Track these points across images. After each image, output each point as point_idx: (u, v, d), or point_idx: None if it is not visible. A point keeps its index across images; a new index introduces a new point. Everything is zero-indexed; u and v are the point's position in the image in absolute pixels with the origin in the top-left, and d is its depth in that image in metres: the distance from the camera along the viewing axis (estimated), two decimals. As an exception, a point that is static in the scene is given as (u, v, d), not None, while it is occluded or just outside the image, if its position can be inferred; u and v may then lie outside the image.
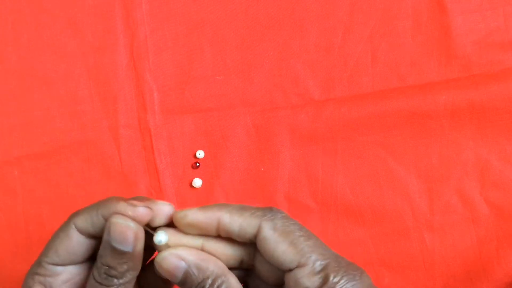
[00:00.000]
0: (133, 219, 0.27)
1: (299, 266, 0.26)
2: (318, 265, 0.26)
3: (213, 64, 0.46)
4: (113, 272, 0.27)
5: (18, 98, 0.46)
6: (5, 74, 0.46)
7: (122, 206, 0.27)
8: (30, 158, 0.45)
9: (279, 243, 0.27)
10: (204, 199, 0.45)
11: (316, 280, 0.26)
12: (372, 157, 0.45)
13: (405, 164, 0.45)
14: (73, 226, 0.29)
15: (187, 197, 0.45)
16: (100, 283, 0.27)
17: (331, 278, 0.26)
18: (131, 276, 0.28)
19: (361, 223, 0.44)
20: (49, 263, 0.29)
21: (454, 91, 0.44)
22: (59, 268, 0.29)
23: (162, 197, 0.45)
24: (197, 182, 0.45)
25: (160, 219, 0.28)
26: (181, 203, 0.45)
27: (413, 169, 0.45)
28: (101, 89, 0.46)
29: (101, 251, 0.27)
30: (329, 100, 0.45)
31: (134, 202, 0.28)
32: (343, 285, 0.26)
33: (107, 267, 0.27)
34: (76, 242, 0.29)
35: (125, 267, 0.27)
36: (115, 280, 0.27)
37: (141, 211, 0.27)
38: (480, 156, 0.44)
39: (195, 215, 0.28)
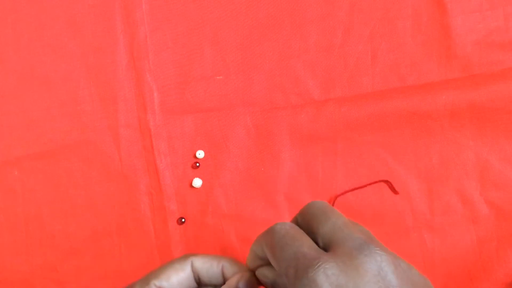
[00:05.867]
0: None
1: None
2: (284, 273, 0.28)
3: (213, 64, 0.46)
4: None
5: (18, 98, 0.46)
6: (5, 74, 0.46)
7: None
8: (30, 158, 0.45)
9: (269, 257, 0.30)
10: (204, 199, 0.45)
11: None
12: (372, 157, 0.45)
13: (405, 164, 0.45)
14: (190, 263, 0.34)
15: (187, 197, 0.45)
16: None
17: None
18: None
19: (361, 223, 0.44)
20: (157, 286, 0.33)
21: (454, 91, 0.44)
22: None
23: (162, 197, 0.45)
24: (197, 182, 0.45)
25: None
26: (181, 203, 0.45)
27: (413, 169, 0.45)
28: (101, 89, 0.46)
29: None
30: (329, 100, 0.45)
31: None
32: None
33: None
34: (187, 277, 0.33)
35: None
36: None
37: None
38: (480, 156, 0.44)
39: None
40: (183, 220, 0.45)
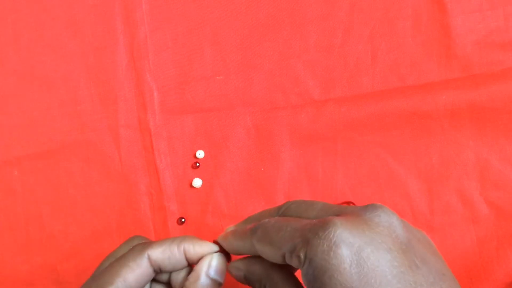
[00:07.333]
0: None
1: (283, 257, 0.27)
2: (290, 249, 0.26)
3: (213, 64, 0.46)
4: None
5: (18, 98, 0.46)
6: (5, 74, 0.46)
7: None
8: (30, 158, 0.45)
9: (264, 249, 0.28)
10: (204, 199, 0.45)
11: (296, 261, 0.26)
12: (372, 157, 0.45)
13: (405, 164, 0.45)
14: (147, 257, 0.31)
15: (187, 197, 0.45)
16: None
17: (301, 256, 0.26)
18: None
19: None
20: None
21: (454, 91, 0.44)
22: None
23: (162, 197, 0.45)
24: (197, 182, 0.45)
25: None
26: (181, 203, 0.45)
27: (413, 169, 0.45)
28: (101, 89, 0.46)
29: (194, 280, 0.31)
30: (329, 100, 0.45)
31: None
32: (311, 262, 0.25)
33: None
34: (145, 273, 0.31)
35: None
36: None
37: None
38: (480, 156, 0.44)
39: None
40: (183, 220, 0.45)
